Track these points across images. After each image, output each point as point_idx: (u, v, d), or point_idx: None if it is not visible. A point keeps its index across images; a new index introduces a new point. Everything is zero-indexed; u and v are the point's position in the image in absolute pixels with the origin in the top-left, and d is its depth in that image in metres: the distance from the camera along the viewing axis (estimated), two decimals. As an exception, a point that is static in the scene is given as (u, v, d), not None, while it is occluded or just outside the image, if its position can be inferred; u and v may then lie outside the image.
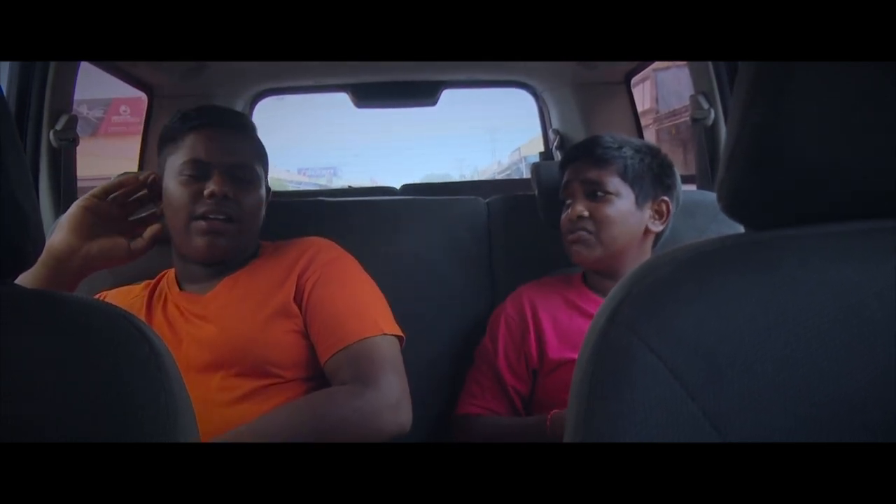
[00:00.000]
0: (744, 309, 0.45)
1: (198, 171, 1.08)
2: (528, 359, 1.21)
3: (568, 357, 1.17)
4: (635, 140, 1.26)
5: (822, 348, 0.45)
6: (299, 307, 1.08)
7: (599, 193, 1.18)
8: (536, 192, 1.38)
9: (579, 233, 1.19)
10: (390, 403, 0.99)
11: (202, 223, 1.07)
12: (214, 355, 1.05)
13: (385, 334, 1.06)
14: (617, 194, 1.18)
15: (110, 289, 1.22)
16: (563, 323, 1.20)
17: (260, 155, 1.16)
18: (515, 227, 1.41)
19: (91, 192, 1.08)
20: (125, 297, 1.17)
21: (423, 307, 1.31)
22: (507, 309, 1.25)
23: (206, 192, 1.07)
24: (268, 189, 1.18)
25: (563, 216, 1.23)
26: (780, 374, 0.45)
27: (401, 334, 1.08)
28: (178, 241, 1.13)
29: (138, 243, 1.08)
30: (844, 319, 0.45)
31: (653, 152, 1.23)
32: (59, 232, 1.05)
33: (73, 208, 1.06)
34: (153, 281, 1.19)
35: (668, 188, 1.22)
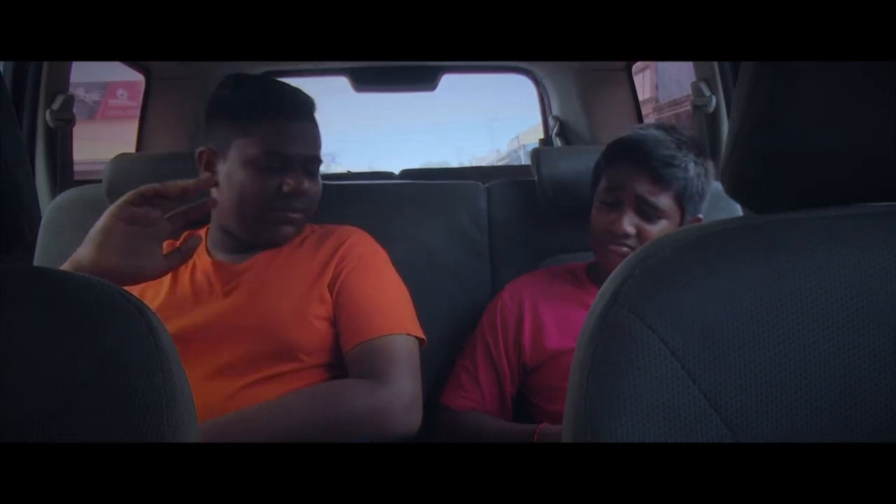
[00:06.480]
0: (745, 290, 0.45)
1: (276, 164, 1.05)
2: (520, 352, 1.19)
3: (569, 346, 1.14)
4: (693, 144, 1.12)
5: (823, 330, 0.45)
6: (331, 294, 1.07)
7: (651, 214, 1.09)
8: (536, 178, 1.37)
9: (622, 248, 1.10)
10: (403, 404, 1.00)
11: (277, 215, 1.06)
12: (238, 328, 1.03)
13: (408, 334, 1.06)
14: (668, 217, 1.10)
15: None
16: (565, 315, 1.18)
17: (321, 142, 1.13)
18: (515, 212, 1.41)
19: (125, 198, 0.92)
20: None
21: (422, 291, 1.30)
22: (503, 299, 1.23)
23: (285, 189, 1.05)
24: None
25: (603, 218, 1.12)
26: (780, 356, 0.45)
27: (423, 337, 1.08)
28: (235, 225, 1.09)
29: (174, 258, 0.96)
30: (847, 301, 0.45)
31: (706, 162, 1.12)
32: (87, 248, 0.91)
33: (106, 220, 0.91)
34: (179, 243, 1.08)
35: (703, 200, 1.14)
